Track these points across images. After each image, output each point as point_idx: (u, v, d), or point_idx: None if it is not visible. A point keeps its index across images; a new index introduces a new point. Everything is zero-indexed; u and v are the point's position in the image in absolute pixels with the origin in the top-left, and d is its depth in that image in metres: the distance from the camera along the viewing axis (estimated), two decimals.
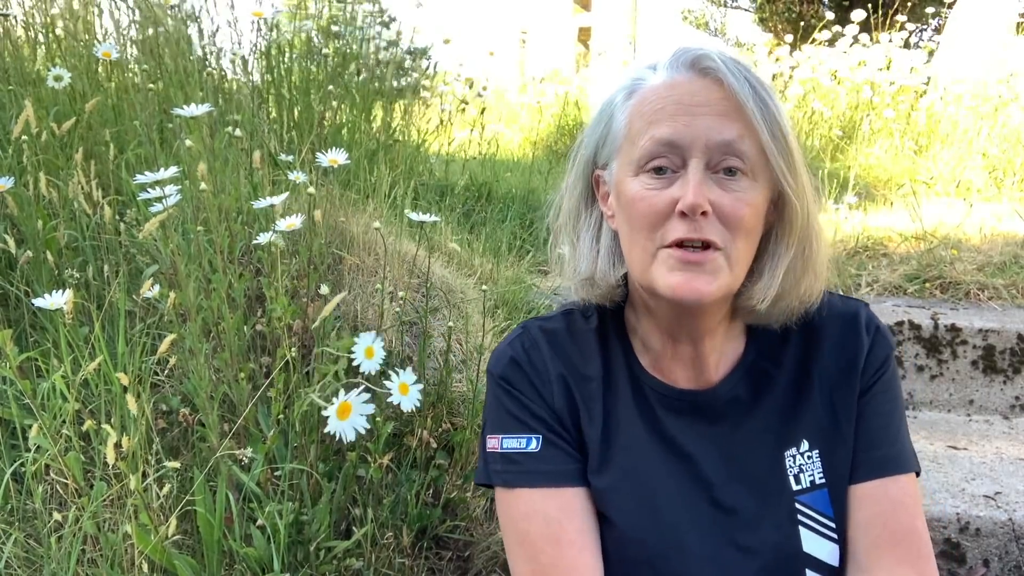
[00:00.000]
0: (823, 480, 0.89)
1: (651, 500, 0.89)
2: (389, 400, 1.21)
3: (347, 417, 1.11)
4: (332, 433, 1.10)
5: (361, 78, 2.78)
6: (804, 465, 0.90)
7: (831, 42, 5.24)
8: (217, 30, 2.47)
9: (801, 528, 0.88)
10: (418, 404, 1.24)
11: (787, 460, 0.90)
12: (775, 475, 0.89)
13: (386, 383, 1.22)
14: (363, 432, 1.13)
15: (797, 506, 0.89)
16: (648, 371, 0.93)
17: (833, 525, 0.89)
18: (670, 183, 0.82)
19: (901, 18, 5.10)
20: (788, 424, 0.91)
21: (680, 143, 0.81)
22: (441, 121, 3.17)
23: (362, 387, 1.14)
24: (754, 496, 0.89)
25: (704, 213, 0.79)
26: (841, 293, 0.96)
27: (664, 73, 0.84)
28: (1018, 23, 5.12)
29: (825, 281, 0.89)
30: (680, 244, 0.81)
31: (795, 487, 0.89)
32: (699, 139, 0.80)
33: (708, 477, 0.89)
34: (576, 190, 0.94)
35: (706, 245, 0.81)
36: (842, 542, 0.89)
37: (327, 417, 1.10)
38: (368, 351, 1.22)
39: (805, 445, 0.90)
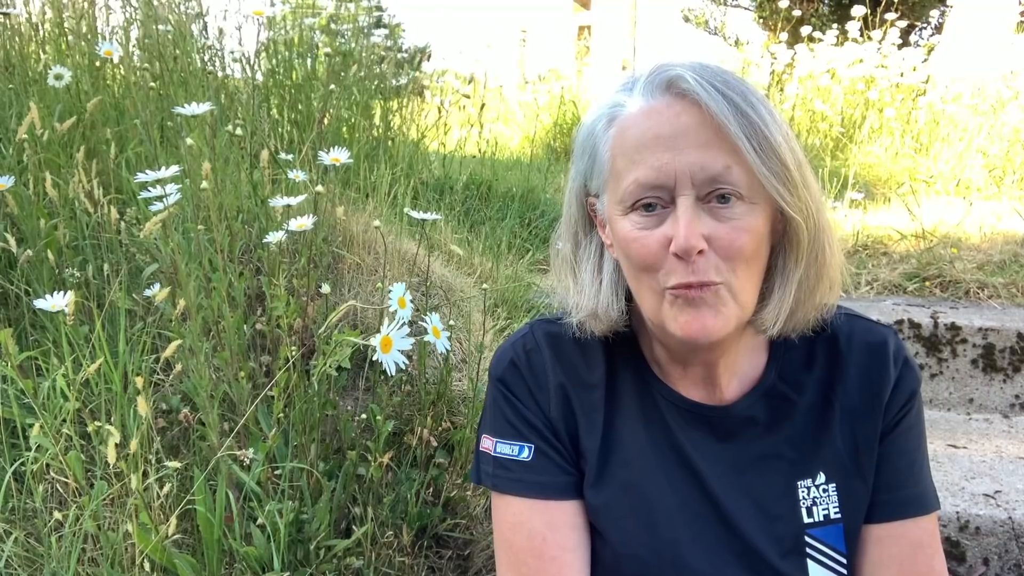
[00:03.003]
0: (838, 515, 0.87)
1: (649, 515, 0.87)
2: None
3: (389, 350, 1.18)
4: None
5: (361, 75, 2.78)
6: (819, 498, 0.87)
7: (811, 38, 5.23)
8: (220, 32, 2.47)
9: (809, 561, 0.86)
10: (447, 347, 1.34)
11: (800, 491, 0.87)
12: (785, 503, 0.87)
13: (421, 324, 1.31)
14: (404, 367, 1.21)
15: (807, 539, 0.86)
16: (659, 378, 0.90)
17: (844, 561, 0.87)
18: (661, 220, 0.78)
19: (892, 14, 5.09)
20: (805, 454, 0.88)
21: (665, 183, 0.77)
22: (439, 111, 3.14)
23: (402, 322, 1.21)
24: (761, 520, 0.86)
25: (700, 251, 0.76)
26: (873, 319, 0.93)
27: (640, 98, 0.80)
28: (1018, 22, 5.12)
29: (841, 287, 0.86)
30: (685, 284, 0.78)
31: (807, 519, 0.86)
32: (684, 175, 0.76)
33: (715, 492, 0.86)
34: (572, 221, 0.91)
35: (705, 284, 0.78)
36: None
37: (373, 358, 1.19)
38: (400, 301, 1.29)
39: (822, 478, 0.87)
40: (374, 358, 1.18)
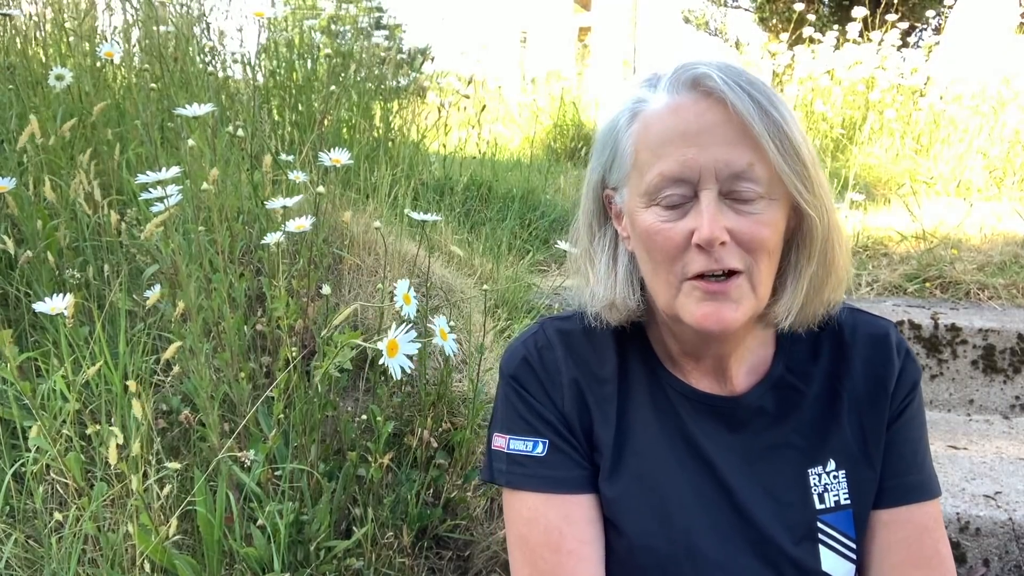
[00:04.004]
0: (848, 501, 0.89)
1: (662, 506, 0.88)
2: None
3: (395, 355, 1.18)
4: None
5: (361, 77, 2.78)
6: (829, 484, 0.89)
7: (811, 39, 5.22)
8: (221, 34, 2.47)
9: (821, 547, 0.88)
10: (455, 350, 1.35)
11: (811, 478, 0.89)
12: (797, 491, 0.88)
13: (430, 326, 1.32)
14: (408, 371, 1.21)
15: (819, 524, 0.88)
16: (669, 371, 0.92)
17: (854, 546, 0.89)
18: (684, 214, 0.80)
19: (892, 16, 5.09)
20: (814, 442, 0.90)
21: (690, 178, 0.79)
22: (439, 111, 3.14)
23: (408, 326, 1.21)
24: (774, 508, 0.88)
25: (723, 243, 0.78)
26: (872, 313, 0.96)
27: (665, 95, 0.82)
28: (1019, 23, 5.12)
29: (848, 283, 0.88)
30: (702, 275, 0.80)
31: (819, 506, 0.88)
32: (709, 170, 0.78)
33: (728, 482, 0.88)
34: (588, 213, 0.93)
35: (729, 272, 0.80)
36: (861, 563, 0.89)
37: (380, 361, 1.19)
38: (406, 297, 1.31)
39: (831, 464, 0.89)
40: (381, 361, 1.19)
